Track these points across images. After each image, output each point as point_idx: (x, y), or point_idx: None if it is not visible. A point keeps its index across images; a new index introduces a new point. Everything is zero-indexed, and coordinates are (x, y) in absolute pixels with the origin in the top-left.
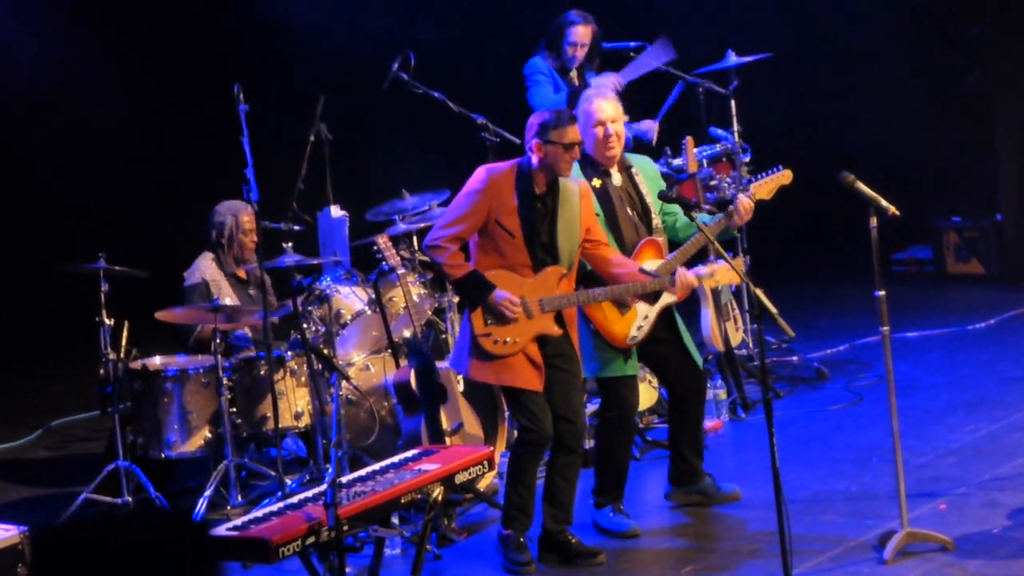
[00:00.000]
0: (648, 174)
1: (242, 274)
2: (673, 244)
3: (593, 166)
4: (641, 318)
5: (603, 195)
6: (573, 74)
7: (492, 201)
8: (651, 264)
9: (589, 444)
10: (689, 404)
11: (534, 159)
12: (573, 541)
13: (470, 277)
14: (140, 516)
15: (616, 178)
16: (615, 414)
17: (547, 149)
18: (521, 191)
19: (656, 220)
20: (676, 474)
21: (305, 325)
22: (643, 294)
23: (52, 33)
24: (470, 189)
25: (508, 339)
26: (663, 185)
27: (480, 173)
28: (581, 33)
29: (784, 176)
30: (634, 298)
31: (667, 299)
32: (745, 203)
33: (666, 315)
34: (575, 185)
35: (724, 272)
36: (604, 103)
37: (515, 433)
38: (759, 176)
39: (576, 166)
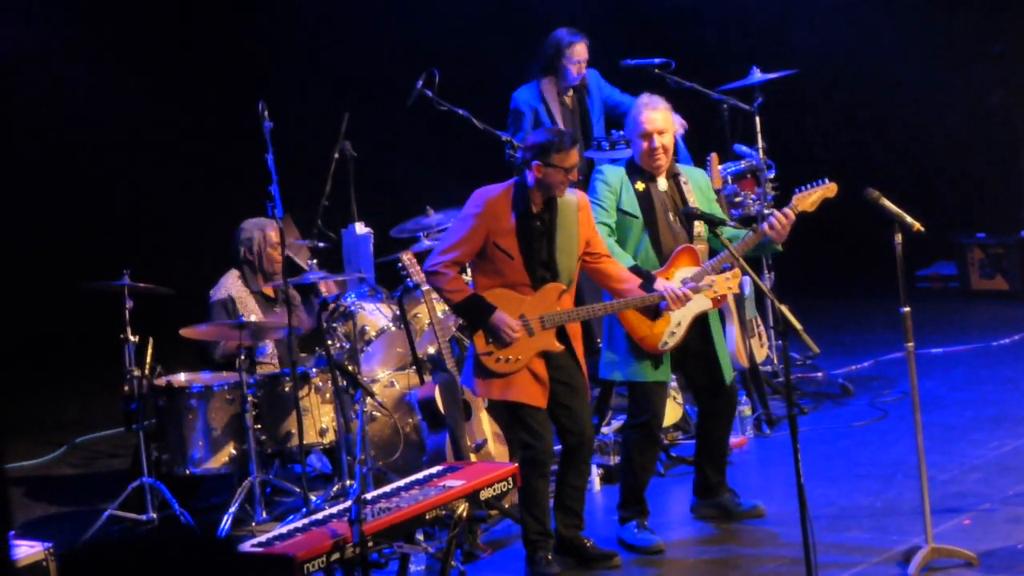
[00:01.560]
0: (699, 184)
1: (269, 291)
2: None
3: (639, 171)
4: (674, 324)
5: (645, 199)
6: (569, 94)
7: (489, 224)
8: (686, 271)
9: (614, 460)
10: (715, 420)
11: (530, 178)
12: (588, 544)
13: (470, 301)
14: (166, 535)
15: (661, 183)
16: (641, 421)
17: (546, 171)
18: (518, 212)
19: (698, 228)
20: (699, 486)
21: (330, 342)
22: (641, 308)
23: (79, 50)
24: (467, 213)
25: (510, 357)
26: (713, 197)
27: (476, 197)
28: (581, 51)
29: (829, 189)
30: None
31: (702, 305)
32: (781, 219)
33: (702, 326)
34: (573, 198)
35: (722, 282)
36: (654, 114)
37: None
38: (803, 188)
39: (623, 170)
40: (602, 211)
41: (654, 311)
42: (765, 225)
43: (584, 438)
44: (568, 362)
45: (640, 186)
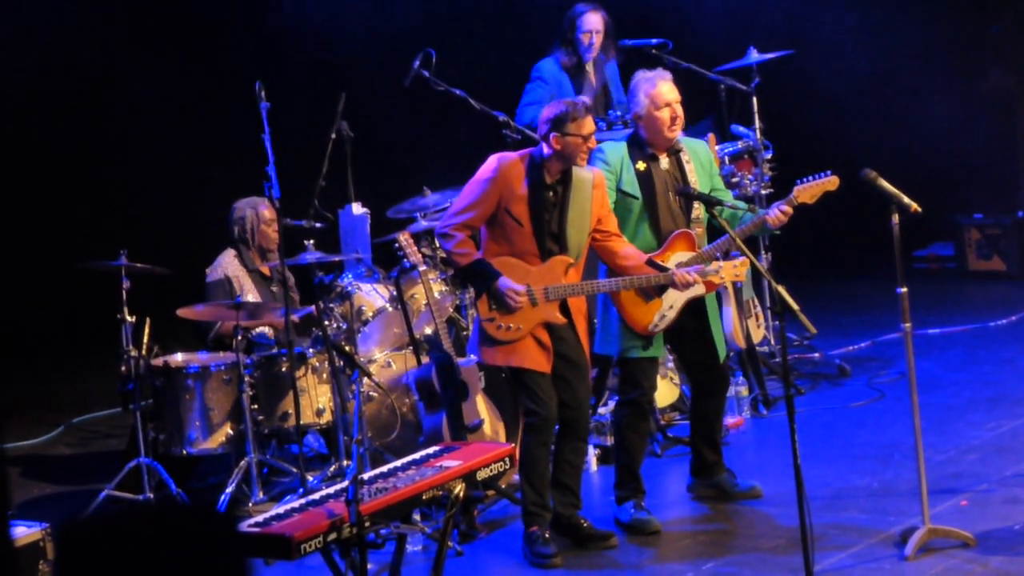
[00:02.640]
0: (701, 160)
1: (265, 271)
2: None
3: (641, 148)
4: (666, 307)
5: (646, 179)
6: (589, 67)
7: (502, 189)
8: (682, 256)
9: (610, 441)
10: (709, 399)
11: (546, 149)
12: (584, 524)
13: (475, 265)
14: (166, 510)
15: (663, 162)
16: (631, 398)
17: (565, 141)
18: (532, 180)
19: (697, 210)
20: (695, 466)
21: (327, 322)
22: (648, 287)
23: (75, 30)
24: (481, 177)
25: (511, 325)
26: (715, 171)
27: (491, 162)
28: (592, 20)
29: (830, 183)
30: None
31: (696, 290)
32: (780, 216)
33: (697, 306)
34: (589, 174)
35: (729, 269)
36: (666, 84)
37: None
38: (805, 179)
39: (624, 148)
40: None
41: (649, 292)
42: (766, 214)
43: (581, 412)
44: (570, 335)
45: (641, 166)
